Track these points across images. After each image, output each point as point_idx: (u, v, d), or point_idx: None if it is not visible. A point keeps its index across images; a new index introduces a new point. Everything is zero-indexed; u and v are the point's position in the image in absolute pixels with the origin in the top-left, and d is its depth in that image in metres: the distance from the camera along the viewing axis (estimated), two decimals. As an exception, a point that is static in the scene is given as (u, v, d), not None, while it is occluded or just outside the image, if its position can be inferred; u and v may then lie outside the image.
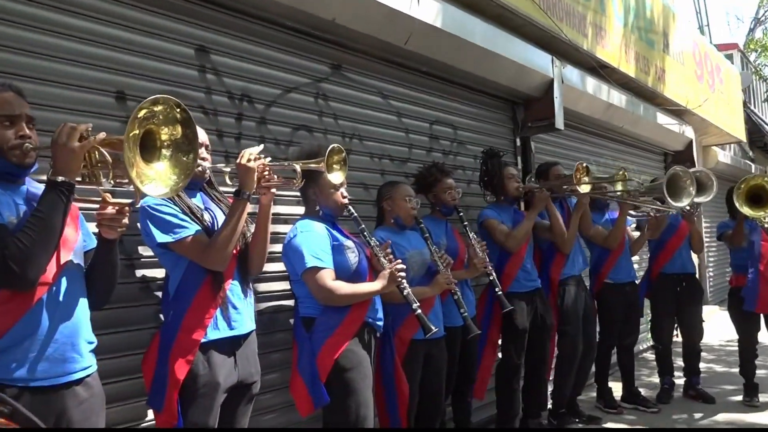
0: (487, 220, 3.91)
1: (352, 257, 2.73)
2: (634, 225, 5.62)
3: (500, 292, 3.54)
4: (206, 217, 2.33)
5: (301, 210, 2.93)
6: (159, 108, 1.83)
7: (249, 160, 2.25)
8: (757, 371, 5.10)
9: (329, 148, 2.35)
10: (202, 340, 2.22)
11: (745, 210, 4.67)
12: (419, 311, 2.77)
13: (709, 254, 10.55)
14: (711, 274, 10.74)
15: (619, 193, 4.40)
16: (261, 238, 2.43)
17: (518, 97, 4.98)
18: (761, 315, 4.98)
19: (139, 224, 2.29)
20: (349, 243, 2.77)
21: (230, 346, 2.31)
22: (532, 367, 4.06)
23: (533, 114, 5.04)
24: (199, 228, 2.26)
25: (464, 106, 4.58)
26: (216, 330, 2.27)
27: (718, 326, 7.88)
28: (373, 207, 3.44)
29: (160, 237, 2.22)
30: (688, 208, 4.76)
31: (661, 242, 5.17)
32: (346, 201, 2.81)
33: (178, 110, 1.85)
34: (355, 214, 2.81)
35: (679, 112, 7.79)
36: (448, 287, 3.17)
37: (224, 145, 2.90)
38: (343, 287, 2.62)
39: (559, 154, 5.72)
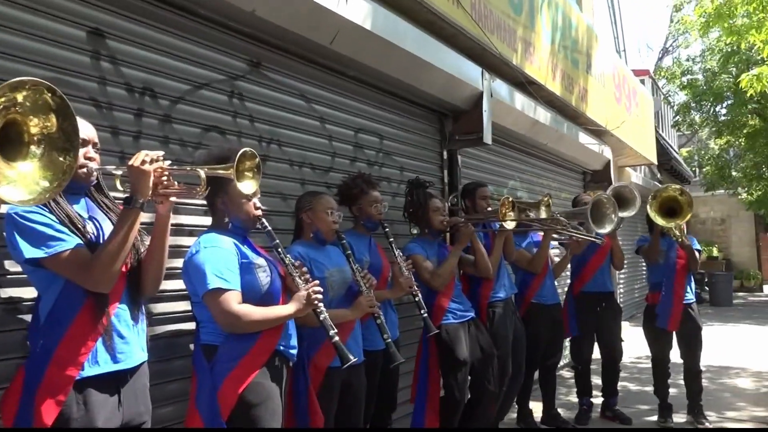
0: (412, 256, 3.69)
1: (263, 277, 2.43)
2: (556, 243, 5.59)
3: (425, 314, 3.32)
4: (90, 227, 1.96)
5: (208, 221, 2.59)
6: (24, 94, 1.49)
7: (144, 162, 1.91)
8: (670, 389, 5.14)
9: (240, 153, 2.04)
10: (78, 377, 1.86)
11: (658, 220, 4.69)
12: (336, 338, 2.50)
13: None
14: (621, 290, 11.06)
15: (543, 219, 4.32)
16: (157, 254, 2.09)
17: (447, 108, 4.83)
18: (674, 333, 5.02)
19: (5, 234, 1.89)
20: (260, 261, 2.46)
21: (114, 382, 1.95)
22: (473, 399, 3.85)
23: (461, 127, 4.90)
24: (80, 241, 1.89)
25: (391, 115, 4.36)
26: (95, 365, 1.90)
27: (628, 342, 8.03)
28: (291, 219, 3.14)
29: (30, 251, 1.84)
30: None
31: (583, 260, 5.15)
32: (259, 213, 2.50)
33: (50, 95, 1.51)
34: (269, 228, 2.51)
35: (599, 133, 7.95)
36: (371, 311, 2.91)
37: (120, 144, 2.53)
38: (252, 312, 2.31)
39: (485, 169, 5.62)
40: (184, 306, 2.66)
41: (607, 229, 4.58)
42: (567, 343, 5.45)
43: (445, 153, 4.99)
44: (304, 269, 2.55)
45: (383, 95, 4.24)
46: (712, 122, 14.98)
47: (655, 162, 11.45)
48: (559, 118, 6.51)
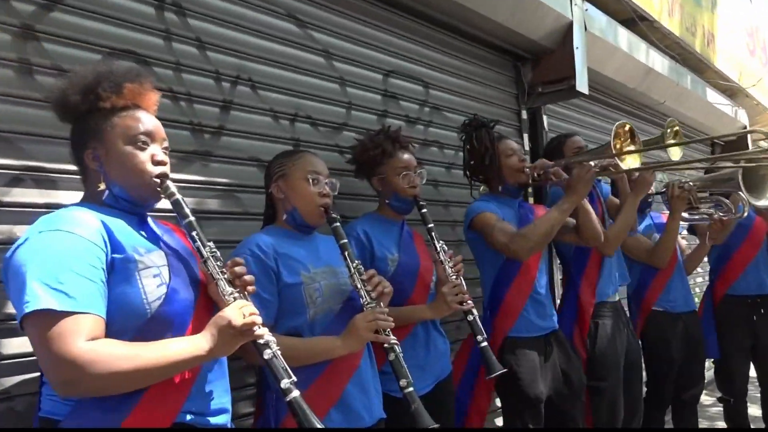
0: (481, 215, 2.43)
1: (152, 286, 1.29)
2: (685, 232, 4.11)
3: (484, 344, 2.06)
4: None
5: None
6: None
7: None
8: None
9: None
10: None
11: None
12: (294, 394, 1.32)
13: None
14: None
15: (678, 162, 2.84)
16: None
17: (523, 48, 3.53)
18: None
19: None
20: (152, 257, 1.33)
21: None
22: None
23: (544, 73, 3.59)
24: None
25: (441, 56, 3.13)
26: None
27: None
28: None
29: None
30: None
31: (726, 251, 3.68)
32: (160, 170, 1.38)
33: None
34: (178, 196, 1.38)
35: (730, 92, 6.28)
36: (376, 339, 1.70)
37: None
38: (114, 354, 1.18)
39: (580, 135, 4.25)
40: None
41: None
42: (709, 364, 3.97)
43: (524, 112, 3.69)
44: (239, 269, 1.39)
45: (428, 27, 3.03)
46: None
47: (799, 131, 9.37)
48: (680, 68, 4.99)
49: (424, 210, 2.21)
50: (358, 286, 1.71)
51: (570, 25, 3.42)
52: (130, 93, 1.39)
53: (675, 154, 2.60)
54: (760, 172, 3.13)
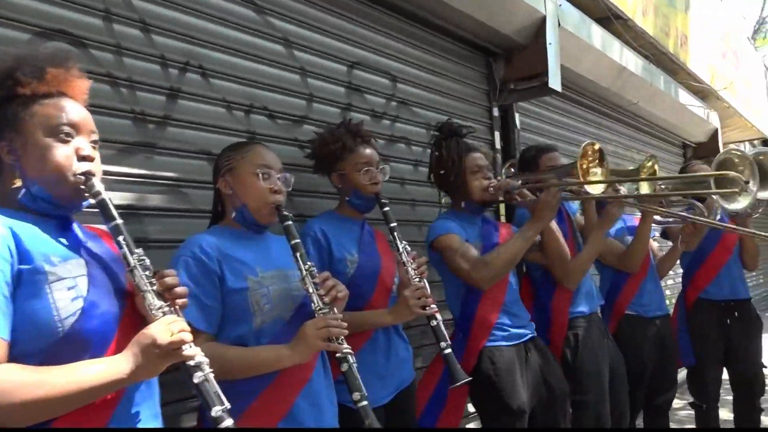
0: (444, 237, 2.31)
1: (65, 300, 1.13)
2: (657, 234, 4.05)
3: (448, 350, 1.93)
4: None
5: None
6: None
7: None
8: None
9: None
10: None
11: None
12: (226, 424, 1.17)
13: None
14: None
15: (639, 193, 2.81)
16: None
17: (495, 43, 3.42)
18: None
19: None
20: (68, 267, 1.16)
21: None
22: None
23: (517, 69, 3.49)
24: None
25: (410, 49, 3.01)
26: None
27: None
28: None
29: None
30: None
31: (699, 255, 3.59)
32: (86, 166, 1.22)
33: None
34: (104, 196, 1.22)
35: (702, 95, 6.28)
36: (327, 348, 1.56)
37: None
38: (16, 382, 1.03)
39: (553, 134, 4.17)
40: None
41: (741, 204, 3.01)
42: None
43: (495, 110, 3.58)
44: (169, 280, 1.24)
45: (396, 18, 2.90)
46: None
47: (768, 136, 9.46)
48: (653, 68, 4.94)
49: (387, 208, 2.09)
50: (310, 290, 1.56)
51: (543, 21, 3.33)
52: (54, 79, 1.24)
53: (644, 188, 2.57)
54: (731, 177, 3.07)
